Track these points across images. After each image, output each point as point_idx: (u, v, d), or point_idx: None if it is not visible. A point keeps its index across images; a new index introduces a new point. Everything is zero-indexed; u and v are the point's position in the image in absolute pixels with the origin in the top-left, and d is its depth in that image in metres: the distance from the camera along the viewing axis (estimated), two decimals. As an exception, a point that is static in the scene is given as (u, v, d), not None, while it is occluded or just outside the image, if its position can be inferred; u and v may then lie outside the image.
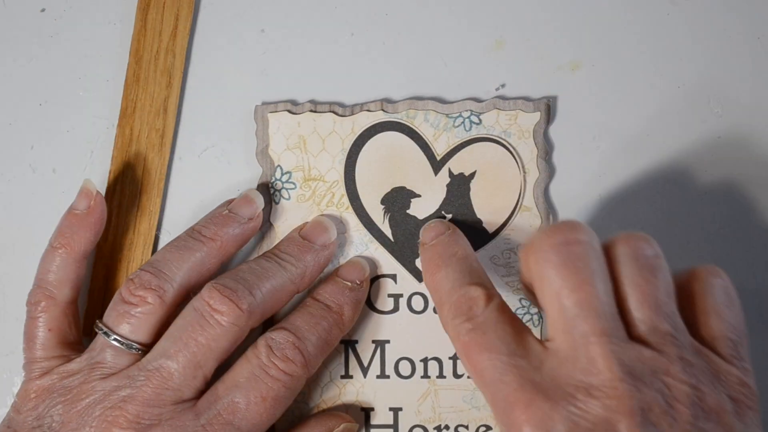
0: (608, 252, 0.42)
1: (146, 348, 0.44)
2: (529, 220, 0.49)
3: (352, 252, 0.49)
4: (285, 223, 0.49)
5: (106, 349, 0.44)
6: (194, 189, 0.49)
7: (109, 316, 0.44)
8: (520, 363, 0.39)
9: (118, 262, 0.48)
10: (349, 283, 0.47)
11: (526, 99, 0.49)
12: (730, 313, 0.42)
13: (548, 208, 0.49)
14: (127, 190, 0.49)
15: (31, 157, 0.49)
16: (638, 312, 0.40)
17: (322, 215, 0.48)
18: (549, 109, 0.49)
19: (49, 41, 0.49)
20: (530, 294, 0.43)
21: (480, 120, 0.49)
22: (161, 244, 0.49)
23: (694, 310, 0.42)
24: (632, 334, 0.40)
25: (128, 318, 0.44)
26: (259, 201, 0.47)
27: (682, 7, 0.50)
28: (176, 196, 0.49)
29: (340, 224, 0.48)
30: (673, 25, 0.50)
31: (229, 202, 0.47)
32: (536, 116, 0.49)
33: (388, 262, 0.49)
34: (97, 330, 0.44)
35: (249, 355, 0.44)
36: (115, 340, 0.44)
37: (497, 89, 0.49)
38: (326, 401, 0.48)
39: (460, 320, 0.42)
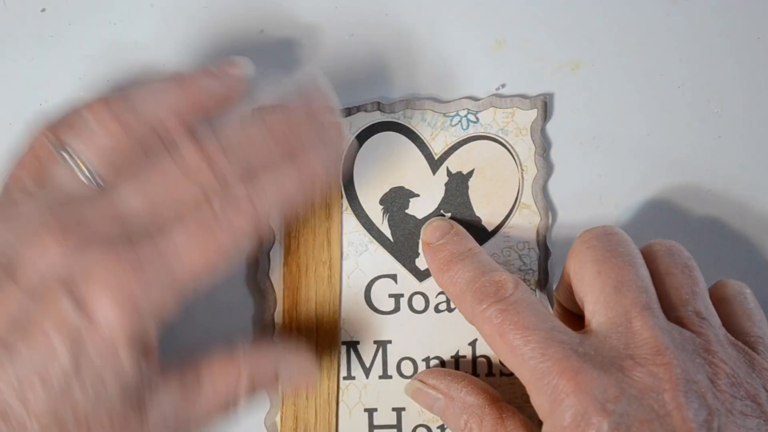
0: (644, 251, 0.43)
1: (103, 180, 0.41)
2: (528, 217, 0.49)
3: (351, 252, 0.49)
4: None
5: (57, 165, 0.41)
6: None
7: (75, 138, 0.41)
8: (561, 337, 0.39)
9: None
10: (324, 136, 0.43)
11: (523, 96, 0.49)
12: (759, 317, 0.43)
13: (547, 205, 0.49)
14: (303, 328, 0.49)
15: (32, 157, 0.49)
16: (677, 298, 0.41)
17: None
18: (546, 106, 0.49)
19: (49, 41, 0.50)
20: (568, 295, 0.44)
21: (477, 118, 0.49)
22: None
23: (727, 312, 0.43)
24: (670, 317, 0.41)
25: (93, 144, 0.41)
26: (246, 65, 0.44)
27: (682, 7, 0.50)
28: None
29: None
30: (673, 25, 0.50)
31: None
32: (533, 113, 0.49)
33: (388, 263, 0.49)
34: (60, 151, 0.41)
35: (201, 200, 0.40)
36: (71, 157, 0.41)
37: (497, 89, 0.49)
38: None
39: (488, 303, 0.41)
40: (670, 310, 0.41)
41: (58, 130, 0.41)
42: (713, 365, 0.39)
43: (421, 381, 0.46)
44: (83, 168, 0.41)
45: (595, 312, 0.41)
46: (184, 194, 0.40)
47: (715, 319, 0.42)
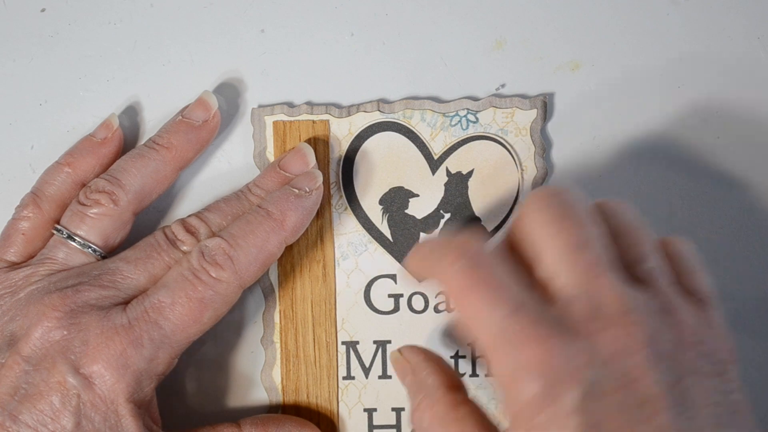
0: (594, 211, 0.41)
1: (101, 250, 0.45)
2: (527, 218, 0.49)
3: (351, 252, 0.49)
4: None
5: (60, 246, 0.45)
6: (195, 190, 0.49)
7: (66, 218, 0.45)
8: (528, 300, 0.37)
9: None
10: (296, 191, 0.46)
11: (523, 96, 0.49)
12: (705, 273, 0.42)
13: (546, 206, 0.49)
14: (300, 327, 0.49)
15: (31, 157, 0.49)
16: (633, 255, 0.39)
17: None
18: (546, 106, 0.49)
19: (50, 41, 0.50)
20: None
21: (477, 118, 0.49)
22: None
23: (678, 269, 0.41)
24: (630, 276, 0.39)
25: (83, 218, 0.45)
26: (213, 102, 0.47)
27: (682, 7, 0.50)
28: (177, 196, 0.49)
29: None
30: (673, 25, 0.50)
31: (184, 108, 0.48)
32: (533, 113, 0.49)
33: (387, 263, 0.49)
34: (55, 231, 0.45)
35: (182, 260, 0.44)
36: (69, 238, 0.45)
37: (497, 89, 0.49)
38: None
39: (455, 257, 0.38)
40: (627, 268, 0.39)
41: (68, 224, 0.45)
42: (676, 325, 0.37)
43: (399, 351, 0.44)
44: (85, 246, 0.45)
45: (557, 273, 0.38)
46: (166, 257, 0.44)
47: (671, 276, 0.40)
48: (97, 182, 0.45)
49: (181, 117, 0.47)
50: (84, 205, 0.45)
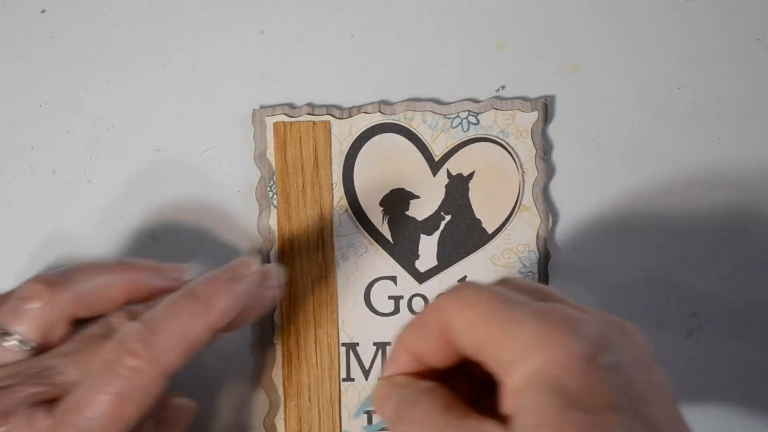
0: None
1: (36, 345, 0.43)
2: (529, 219, 0.49)
3: (351, 254, 0.49)
4: (284, 225, 0.49)
5: None
6: (195, 190, 0.49)
7: (3, 311, 0.43)
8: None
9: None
10: (228, 273, 0.43)
11: (524, 99, 0.49)
12: None
13: (548, 207, 0.49)
14: (301, 328, 0.49)
15: (31, 158, 0.49)
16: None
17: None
18: (547, 108, 0.49)
19: (50, 42, 0.49)
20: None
21: (478, 120, 0.49)
22: (173, 238, 0.49)
23: None
24: None
25: (21, 314, 0.42)
26: (187, 274, 0.45)
27: (682, 7, 0.50)
28: (177, 197, 0.49)
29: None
30: (673, 27, 0.50)
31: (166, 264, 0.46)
32: (534, 116, 0.49)
33: (387, 264, 0.49)
34: None
35: (101, 349, 0.41)
36: (3, 334, 0.42)
37: (497, 91, 0.49)
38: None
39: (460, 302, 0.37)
40: None
41: (3, 320, 0.42)
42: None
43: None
44: (22, 343, 0.42)
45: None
46: (96, 353, 0.41)
47: None
48: (46, 272, 0.43)
49: (158, 264, 0.45)
50: (23, 297, 0.42)
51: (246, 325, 0.45)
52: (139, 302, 0.44)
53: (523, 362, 0.34)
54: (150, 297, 0.44)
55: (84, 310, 0.43)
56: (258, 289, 0.43)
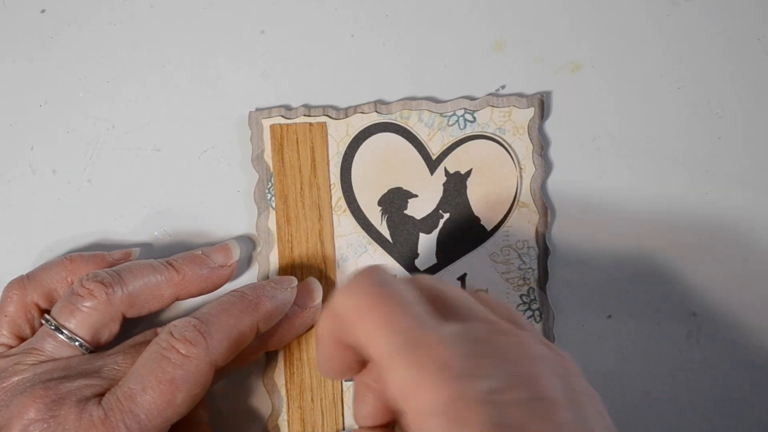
0: None
1: (88, 345, 0.45)
2: (527, 216, 0.49)
3: (350, 254, 0.49)
4: (283, 225, 0.49)
5: (47, 338, 0.44)
6: (195, 190, 0.49)
7: (56, 308, 0.45)
8: (429, 316, 0.36)
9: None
10: (276, 285, 0.46)
11: (520, 95, 0.49)
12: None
13: (545, 203, 0.49)
14: None
15: (31, 158, 0.49)
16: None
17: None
18: (543, 104, 0.49)
19: (50, 42, 0.50)
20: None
21: (474, 118, 0.49)
22: (163, 244, 0.49)
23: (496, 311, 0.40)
24: None
25: (74, 311, 0.44)
26: (235, 252, 0.48)
27: (682, 7, 0.50)
28: (176, 196, 0.49)
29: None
30: (673, 26, 0.50)
31: (208, 248, 0.48)
32: (530, 112, 0.49)
33: (387, 263, 0.49)
34: (44, 322, 0.45)
35: (152, 342, 0.43)
36: (57, 330, 0.44)
37: (497, 90, 0.49)
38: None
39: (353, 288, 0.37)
40: None
41: (57, 315, 0.45)
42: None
43: None
44: (72, 339, 0.45)
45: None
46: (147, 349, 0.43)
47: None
48: (98, 273, 0.45)
49: (201, 253, 0.47)
50: (78, 295, 0.44)
51: (282, 345, 0.48)
52: (186, 299, 0.47)
53: (405, 401, 0.34)
54: (198, 293, 0.47)
55: (134, 310, 0.45)
56: (299, 302, 0.47)
